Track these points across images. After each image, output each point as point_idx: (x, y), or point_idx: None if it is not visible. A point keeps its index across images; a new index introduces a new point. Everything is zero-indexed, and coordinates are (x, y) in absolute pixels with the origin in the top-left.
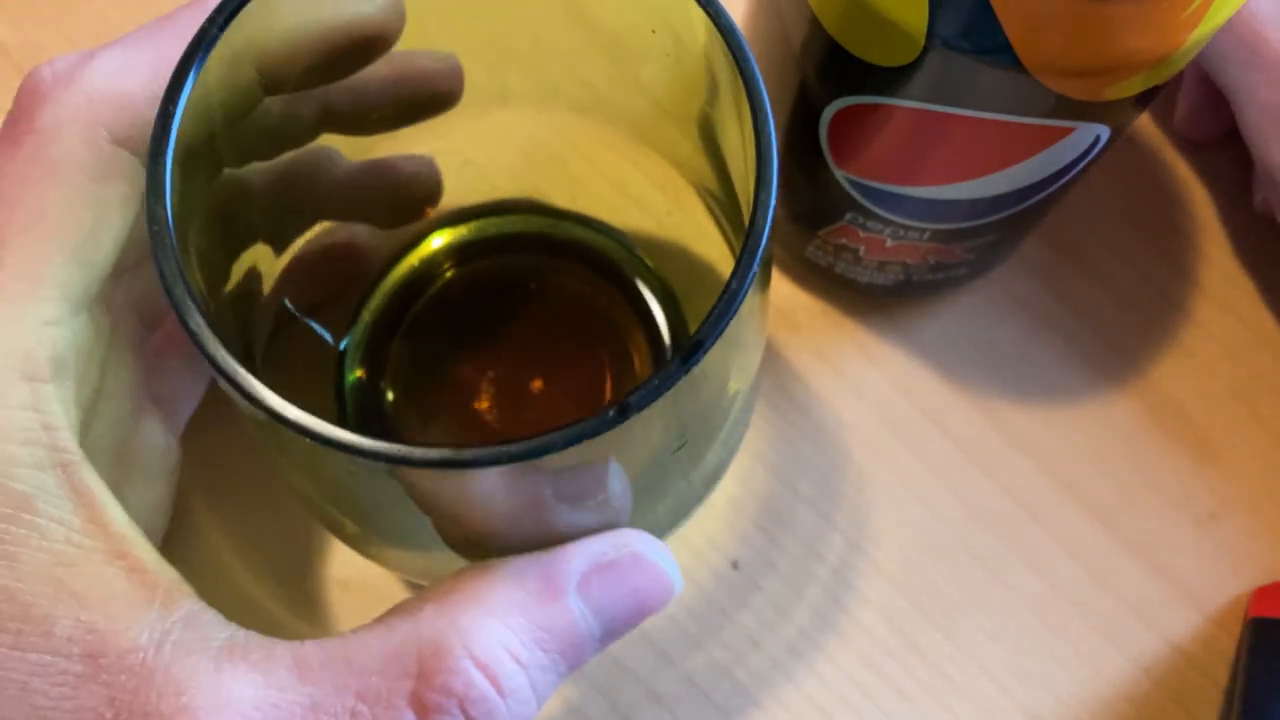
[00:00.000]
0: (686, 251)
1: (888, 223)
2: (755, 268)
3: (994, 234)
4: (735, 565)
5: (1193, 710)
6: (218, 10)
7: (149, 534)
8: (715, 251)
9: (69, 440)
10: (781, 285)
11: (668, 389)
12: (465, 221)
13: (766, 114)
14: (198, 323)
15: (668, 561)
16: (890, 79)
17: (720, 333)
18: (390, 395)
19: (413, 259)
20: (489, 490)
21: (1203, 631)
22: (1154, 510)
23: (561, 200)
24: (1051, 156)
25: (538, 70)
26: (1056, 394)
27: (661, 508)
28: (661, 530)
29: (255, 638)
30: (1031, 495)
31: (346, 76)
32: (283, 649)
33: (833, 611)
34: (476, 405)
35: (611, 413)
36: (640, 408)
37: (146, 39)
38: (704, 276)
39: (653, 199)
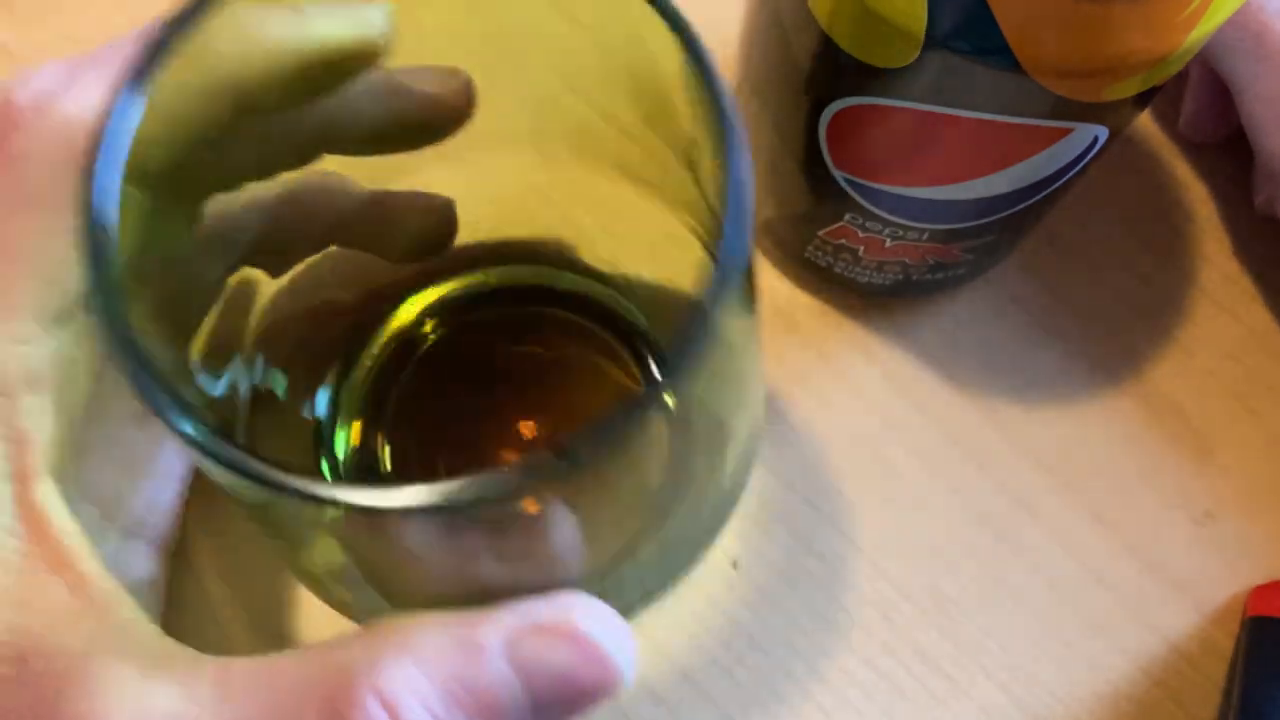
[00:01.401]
0: (685, 296)
1: (887, 223)
2: (730, 291)
3: (993, 234)
4: (735, 565)
5: (1191, 709)
6: (170, 23)
7: (156, 535)
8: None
9: (34, 454)
10: (781, 285)
11: (621, 433)
12: (454, 275)
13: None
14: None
15: (618, 645)
16: (889, 80)
17: (687, 371)
18: (387, 458)
19: (398, 319)
20: (416, 537)
21: (1201, 630)
22: (1153, 509)
23: (560, 237)
24: (1050, 157)
25: (534, 110)
26: (1056, 394)
27: (633, 573)
28: (637, 601)
29: (189, 652)
30: (1031, 495)
31: (326, 94)
32: (211, 665)
33: (833, 611)
34: (478, 457)
35: (550, 459)
36: (583, 454)
37: (121, 58)
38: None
39: (656, 249)
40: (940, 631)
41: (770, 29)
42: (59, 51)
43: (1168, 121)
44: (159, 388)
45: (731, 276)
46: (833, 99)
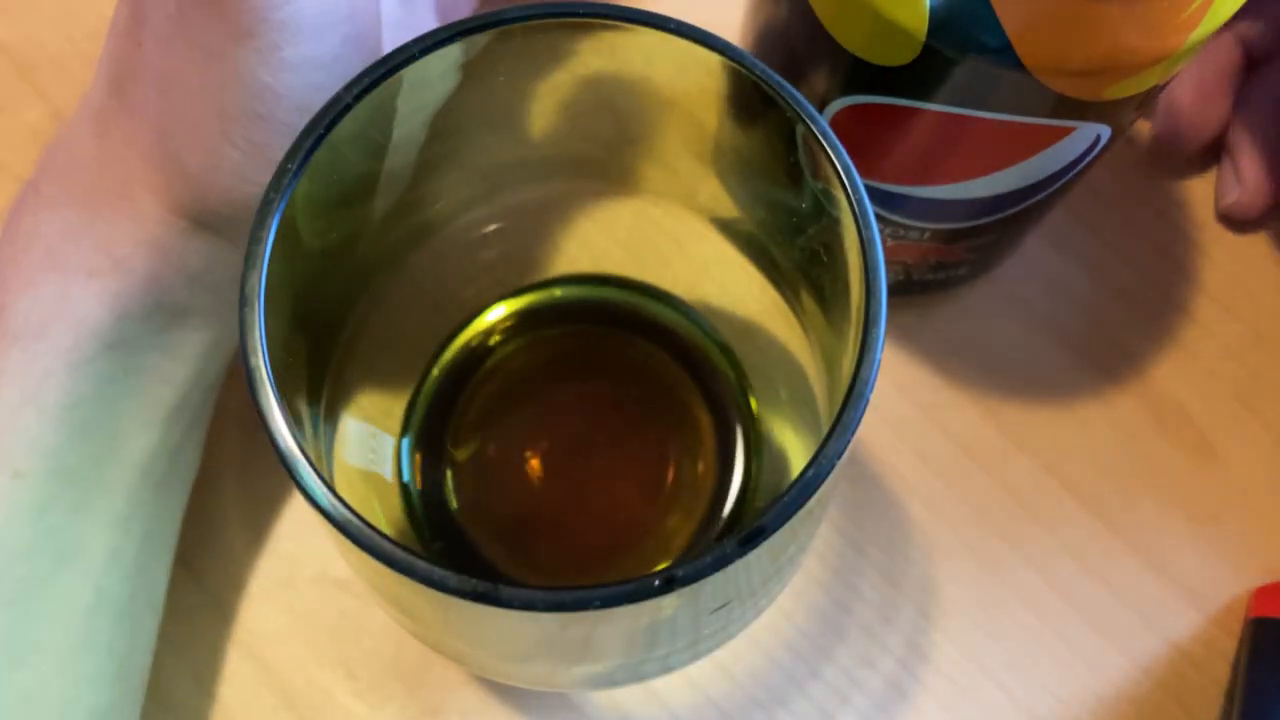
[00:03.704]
0: (758, 332)
1: (888, 222)
2: (838, 460)
3: (994, 234)
4: None
5: (1193, 710)
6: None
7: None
8: (785, 334)
9: None
10: None
11: (721, 568)
12: (527, 292)
13: (881, 298)
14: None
15: None
16: (890, 79)
17: (788, 520)
18: (450, 488)
19: (472, 329)
20: (520, 621)
21: (1203, 631)
22: (1154, 510)
23: (638, 276)
24: (1052, 156)
25: (622, 152)
26: (1057, 393)
27: (679, 651)
28: (669, 666)
29: None
30: (1032, 495)
31: None
32: None
33: (832, 611)
34: (541, 484)
35: (656, 583)
36: (688, 583)
37: None
38: (772, 358)
39: (733, 282)
40: (941, 632)
41: (772, 27)
42: (59, 51)
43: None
44: (308, 466)
45: (834, 461)
46: (834, 98)
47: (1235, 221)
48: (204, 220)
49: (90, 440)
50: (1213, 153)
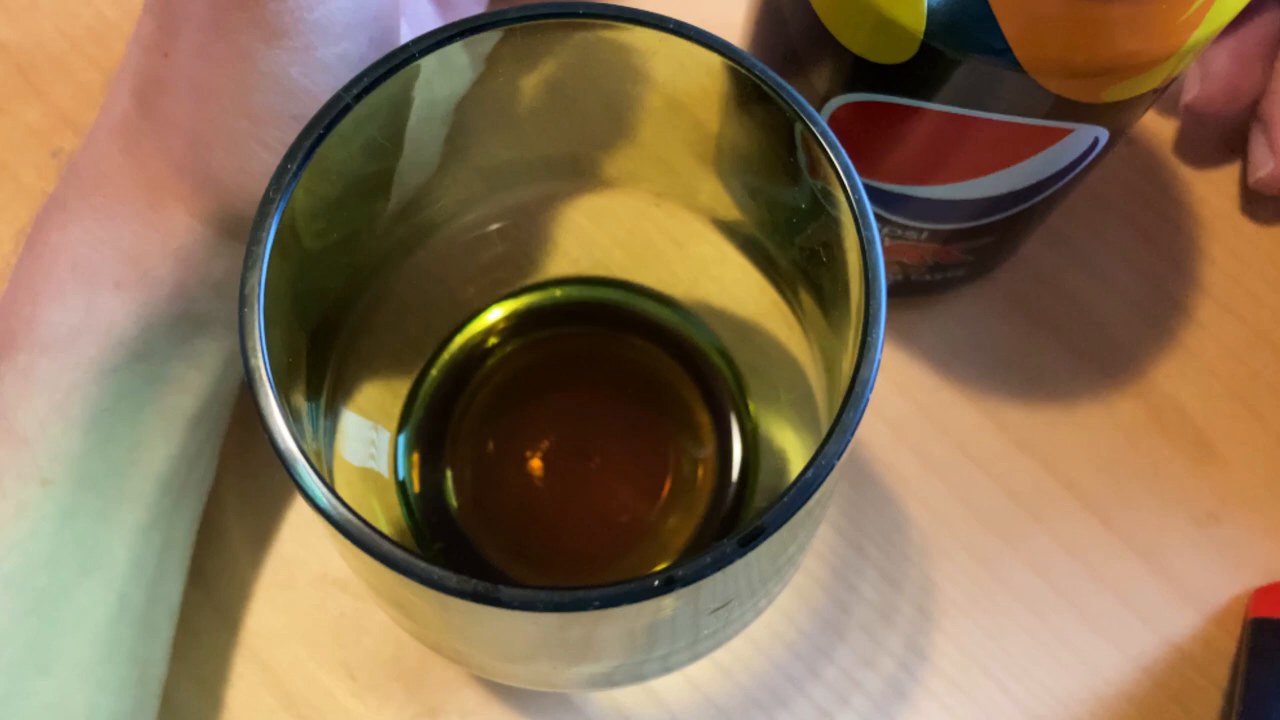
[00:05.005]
0: (758, 332)
1: (886, 223)
2: (838, 461)
3: (992, 236)
4: None
5: (1193, 710)
6: (354, 82)
7: None
8: (785, 334)
9: None
10: None
11: (721, 568)
12: (526, 293)
13: (880, 290)
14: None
15: None
16: (888, 77)
17: (787, 520)
18: (450, 488)
19: (472, 329)
20: (520, 621)
21: (1203, 631)
22: (1154, 510)
23: (637, 276)
24: (1049, 158)
25: (628, 155)
26: (1057, 394)
27: (678, 652)
28: (669, 667)
29: None
30: (1032, 495)
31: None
32: None
33: (833, 611)
34: (540, 485)
35: (656, 583)
36: (688, 583)
37: None
38: (772, 358)
39: (733, 282)
40: (941, 632)
41: (771, 23)
42: (59, 51)
43: (1170, 120)
44: (309, 466)
45: (834, 462)
46: (832, 95)
47: (1266, 196)
48: (232, 227)
49: (115, 449)
50: (1236, 132)
